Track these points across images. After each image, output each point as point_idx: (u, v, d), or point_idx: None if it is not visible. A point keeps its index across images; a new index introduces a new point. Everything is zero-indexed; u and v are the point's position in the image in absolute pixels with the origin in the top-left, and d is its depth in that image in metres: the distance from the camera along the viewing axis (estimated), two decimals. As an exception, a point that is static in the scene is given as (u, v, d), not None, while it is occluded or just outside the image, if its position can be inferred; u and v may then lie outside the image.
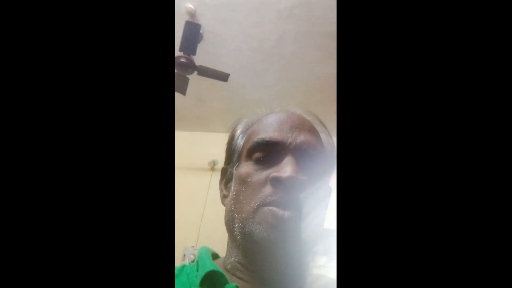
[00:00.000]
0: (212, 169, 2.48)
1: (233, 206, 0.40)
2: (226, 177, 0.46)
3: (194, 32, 1.62)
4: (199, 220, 2.28)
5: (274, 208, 0.35)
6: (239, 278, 0.39)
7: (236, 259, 0.40)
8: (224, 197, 0.45)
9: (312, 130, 0.43)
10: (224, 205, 0.44)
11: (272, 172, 0.37)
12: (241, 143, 0.44)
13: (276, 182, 0.37)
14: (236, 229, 0.38)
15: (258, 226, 0.35)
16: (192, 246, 2.14)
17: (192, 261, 0.43)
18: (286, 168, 0.36)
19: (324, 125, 0.47)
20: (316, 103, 2.14)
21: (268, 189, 0.37)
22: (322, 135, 0.45)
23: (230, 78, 1.89)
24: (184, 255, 2.14)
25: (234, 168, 0.43)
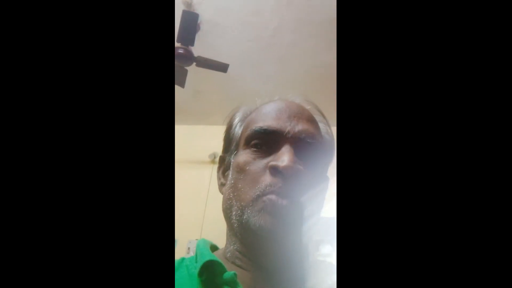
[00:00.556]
0: (213, 162, 2.48)
1: (231, 194, 0.40)
2: (224, 166, 0.47)
3: (191, 22, 1.59)
4: (202, 214, 2.29)
5: (273, 197, 0.36)
6: (238, 266, 0.39)
7: (234, 247, 0.41)
8: (222, 185, 0.45)
9: (311, 120, 0.42)
10: (222, 193, 0.44)
11: (271, 160, 0.38)
12: (239, 132, 0.44)
13: (274, 171, 0.37)
14: (234, 217, 0.39)
15: (256, 214, 0.36)
16: (196, 239, 2.16)
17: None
18: (284, 157, 0.37)
19: (323, 115, 0.47)
20: (316, 92, 2.10)
21: (267, 178, 0.37)
22: (321, 125, 0.45)
23: (228, 69, 1.86)
24: (189, 248, 2.16)
25: (232, 156, 0.43)
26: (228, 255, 0.41)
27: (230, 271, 0.36)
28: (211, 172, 2.43)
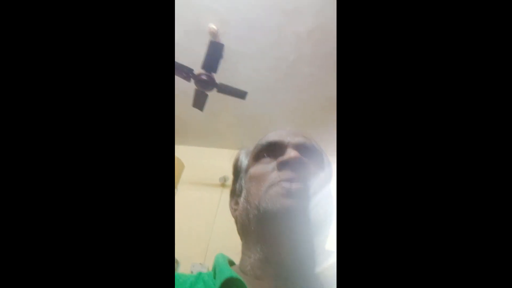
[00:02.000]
0: (223, 185, 2.48)
1: (245, 204, 0.42)
2: (235, 195, 0.48)
3: (217, 51, 1.67)
4: (208, 237, 2.26)
5: (283, 183, 0.38)
6: (257, 278, 0.39)
7: (253, 257, 0.41)
8: (234, 211, 0.47)
9: (307, 137, 0.47)
10: (235, 218, 0.46)
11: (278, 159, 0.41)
12: (245, 162, 0.48)
13: (282, 165, 0.40)
14: (251, 220, 0.40)
15: (270, 200, 0.38)
16: (200, 263, 2.11)
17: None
18: (290, 153, 0.40)
19: (317, 143, 0.51)
20: (329, 122, 2.13)
21: (275, 173, 0.40)
22: (318, 148, 0.49)
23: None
24: (192, 272, 2.11)
25: (242, 180, 0.47)
26: (246, 268, 0.41)
27: None
28: (220, 195, 2.42)
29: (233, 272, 0.38)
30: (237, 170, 0.50)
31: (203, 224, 2.30)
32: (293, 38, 1.72)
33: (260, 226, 0.39)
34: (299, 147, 0.43)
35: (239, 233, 0.44)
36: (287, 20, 1.64)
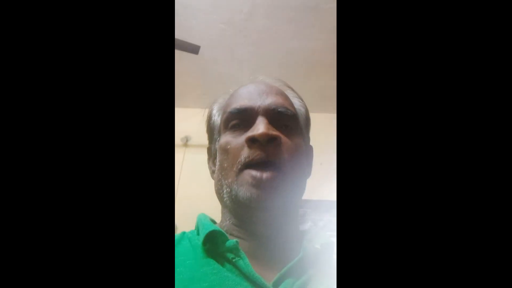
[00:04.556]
0: (185, 145, 2.45)
1: (220, 175, 0.43)
2: (212, 155, 0.49)
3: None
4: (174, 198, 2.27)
5: (252, 171, 0.38)
6: (236, 237, 0.42)
7: (230, 222, 0.43)
8: (212, 172, 0.48)
9: (280, 93, 0.45)
10: (213, 179, 0.47)
11: (247, 134, 0.40)
12: (218, 120, 0.47)
13: (251, 142, 0.39)
14: (225, 195, 0.41)
15: (241, 188, 0.38)
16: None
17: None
18: (258, 127, 0.39)
19: (293, 89, 0.50)
20: (290, 77, 2.13)
21: (245, 151, 0.39)
22: (292, 98, 0.48)
23: (201, 52, 1.83)
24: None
25: (216, 143, 0.46)
26: (225, 229, 0.43)
27: (232, 239, 0.38)
28: (183, 156, 2.40)
29: (215, 226, 0.41)
30: (210, 129, 0.49)
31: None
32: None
33: (234, 204, 0.41)
34: (270, 112, 0.41)
35: (216, 195, 0.45)
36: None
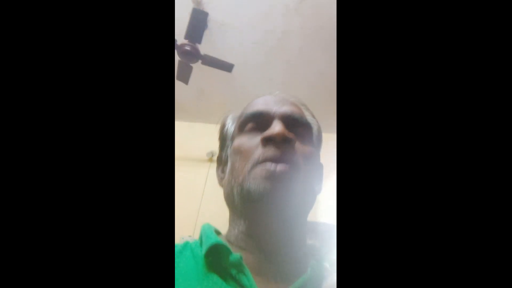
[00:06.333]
0: (210, 160, 2.48)
1: (230, 177, 0.42)
2: (221, 163, 0.48)
3: (201, 20, 1.60)
4: (197, 211, 2.29)
5: (267, 163, 0.37)
6: (242, 248, 0.40)
7: (238, 229, 0.41)
8: (221, 179, 0.47)
9: (295, 104, 0.46)
10: (222, 186, 0.46)
11: (263, 134, 0.39)
12: (232, 128, 0.47)
13: (266, 141, 0.38)
14: (236, 196, 0.40)
15: (254, 182, 0.37)
16: (189, 236, 2.15)
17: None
18: (274, 128, 0.39)
19: (307, 107, 0.49)
20: (318, 99, 2.13)
21: (259, 150, 0.39)
22: (307, 113, 0.47)
23: (233, 70, 1.87)
24: (179, 245, 2.16)
25: (228, 149, 0.45)
26: (232, 239, 0.41)
27: (236, 253, 0.37)
28: (208, 170, 2.43)
29: (218, 239, 0.39)
30: (223, 137, 0.49)
31: (191, 199, 2.32)
32: (282, 10, 1.66)
33: (244, 204, 0.39)
34: (286, 118, 0.42)
35: (225, 201, 0.44)
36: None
